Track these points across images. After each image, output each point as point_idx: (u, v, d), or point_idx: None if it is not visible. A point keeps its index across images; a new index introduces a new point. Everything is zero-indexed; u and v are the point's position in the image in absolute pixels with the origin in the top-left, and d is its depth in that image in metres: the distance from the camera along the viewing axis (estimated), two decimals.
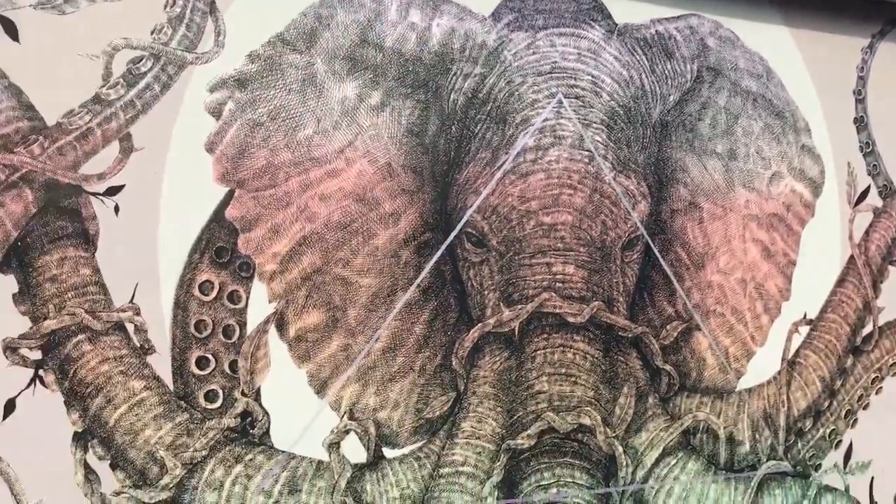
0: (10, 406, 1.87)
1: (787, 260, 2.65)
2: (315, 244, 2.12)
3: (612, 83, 2.38)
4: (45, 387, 1.90)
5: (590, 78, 2.35)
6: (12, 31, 1.82)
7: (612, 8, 2.42)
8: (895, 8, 2.77)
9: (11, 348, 1.87)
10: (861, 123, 2.77)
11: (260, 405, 2.08)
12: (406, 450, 2.20)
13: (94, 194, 1.92)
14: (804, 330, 2.70)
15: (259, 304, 2.08)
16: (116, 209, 1.94)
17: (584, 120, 2.32)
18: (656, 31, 2.47)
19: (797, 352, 2.68)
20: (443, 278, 2.27)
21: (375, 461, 2.16)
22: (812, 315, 2.70)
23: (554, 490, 2.19)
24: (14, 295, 1.88)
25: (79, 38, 1.87)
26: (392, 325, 2.20)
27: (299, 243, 2.11)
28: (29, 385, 1.89)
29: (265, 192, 2.08)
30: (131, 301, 1.96)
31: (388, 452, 2.18)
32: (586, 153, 2.31)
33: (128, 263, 1.96)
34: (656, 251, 2.42)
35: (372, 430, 2.15)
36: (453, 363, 2.25)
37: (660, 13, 2.48)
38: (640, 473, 2.35)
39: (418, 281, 2.21)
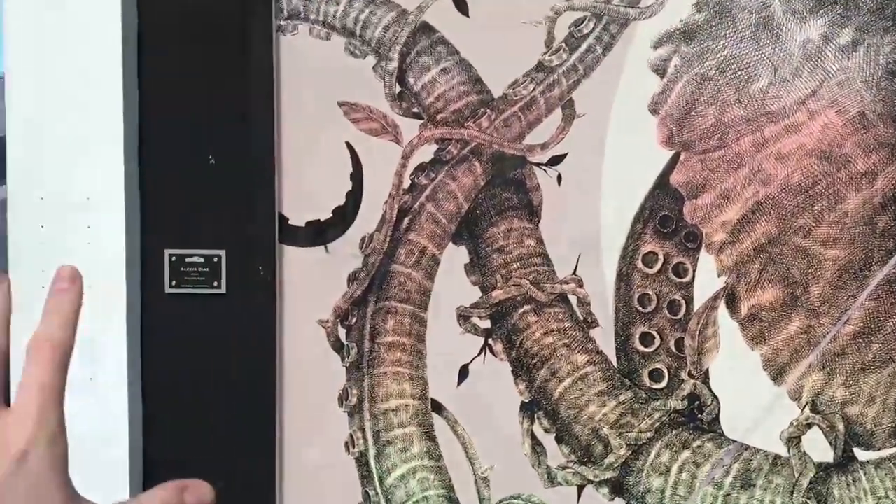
0: (463, 372, 1.94)
1: None
2: (770, 211, 1.86)
3: None
4: (494, 355, 1.93)
5: None
6: (463, 7, 1.85)
7: None
8: None
9: (464, 317, 1.93)
10: None
11: (708, 388, 1.90)
12: (885, 453, 1.85)
13: (537, 164, 1.90)
14: None
15: (707, 277, 1.89)
16: (559, 179, 1.89)
17: None
18: None
19: None
20: None
21: (844, 462, 1.85)
22: None
23: None
24: (465, 265, 1.93)
25: (522, 5, 1.84)
26: (865, 305, 1.85)
27: (752, 210, 1.87)
28: (480, 353, 1.93)
29: (713, 153, 1.87)
30: (574, 273, 1.90)
31: (859, 454, 1.86)
32: None
33: (570, 234, 1.90)
34: None
35: (840, 426, 1.85)
36: None
37: None
38: None
39: None
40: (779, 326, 1.89)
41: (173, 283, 1.89)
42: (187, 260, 1.79)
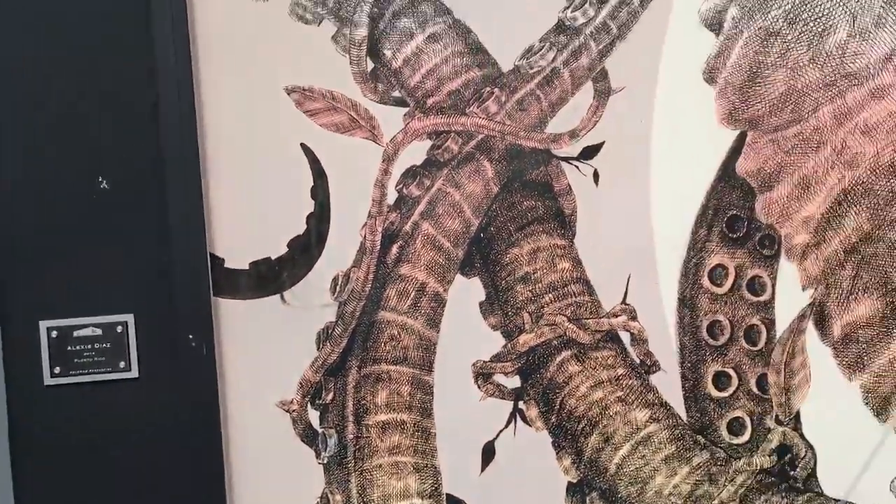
0: (488, 452, 1.42)
1: None
2: (860, 199, 1.46)
3: None
4: (528, 424, 1.43)
5: None
6: None
7: None
8: None
9: (484, 375, 1.41)
10: None
11: (801, 436, 1.48)
12: None
13: (566, 159, 1.41)
14: None
15: (789, 292, 1.47)
16: (596, 176, 1.42)
17: None
18: None
19: None
20: None
21: None
22: None
23: None
24: (481, 303, 1.42)
25: None
26: None
27: (838, 201, 1.46)
28: (508, 423, 1.42)
29: (787, 130, 1.45)
30: (624, 301, 1.43)
31: None
32: None
33: (615, 249, 1.43)
34: None
35: None
36: None
37: None
38: None
39: None
40: (880, 347, 1.49)
41: (56, 369, 1.28)
42: (76, 334, 1.19)
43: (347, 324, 1.37)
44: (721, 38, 1.43)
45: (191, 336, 1.31)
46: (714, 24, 1.43)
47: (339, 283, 1.37)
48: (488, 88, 1.39)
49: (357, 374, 1.39)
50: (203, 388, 1.32)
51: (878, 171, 1.47)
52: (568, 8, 1.40)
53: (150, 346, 1.32)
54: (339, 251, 1.37)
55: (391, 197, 1.38)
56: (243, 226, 1.36)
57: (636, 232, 1.44)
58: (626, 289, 1.43)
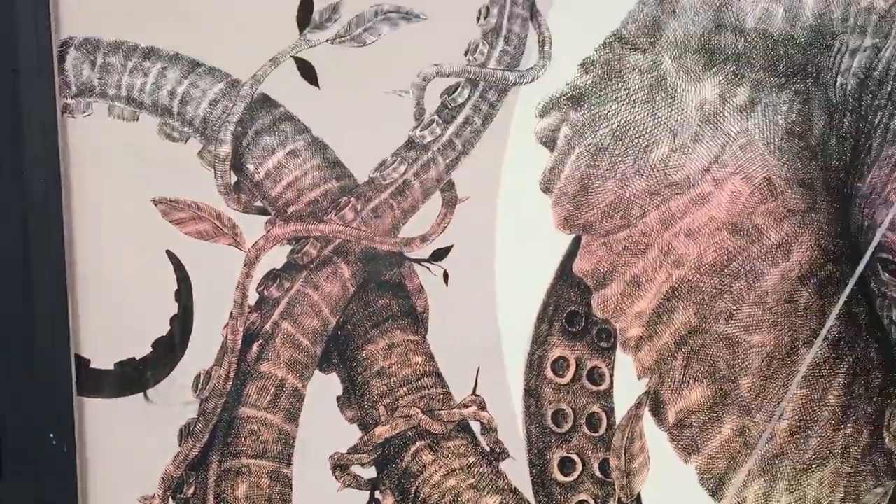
0: None
1: None
2: (687, 296, 1.61)
3: None
4: None
5: None
6: (310, 75, 1.48)
7: None
8: None
9: (341, 466, 1.49)
10: None
11: None
12: None
13: (418, 261, 1.53)
14: None
15: (627, 382, 1.59)
16: (446, 276, 1.54)
17: None
18: None
19: None
20: (857, 325, 1.67)
21: None
22: None
23: None
24: (338, 398, 1.51)
25: (383, 72, 1.51)
26: (798, 395, 1.63)
27: (667, 297, 1.61)
28: None
29: (618, 234, 1.60)
30: (473, 392, 1.53)
31: None
32: None
33: (465, 343, 1.54)
34: None
35: None
36: (886, 441, 1.64)
37: None
38: None
39: (824, 331, 1.64)
40: (711, 431, 1.62)
41: None
42: None
43: (209, 420, 1.44)
44: (555, 153, 1.59)
45: (52, 435, 1.36)
46: (548, 140, 1.60)
47: (201, 381, 1.45)
48: (345, 198, 1.51)
49: (218, 469, 1.45)
50: (63, 486, 1.36)
51: (701, 269, 1.63)
52: (417, 127, 1.54)
53: (12, 446, 1.36)
54: (202, 351, 1.45)
55: (252, 298, 1.48)
56: (109, 327, 1.43)
57: (484, 327, 1.55)
58: (476, 381, 1.54)
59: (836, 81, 1.69)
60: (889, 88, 1.69)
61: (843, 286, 1.66)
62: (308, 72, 1.49)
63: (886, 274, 1.67)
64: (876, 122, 1.70)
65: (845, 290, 1.66)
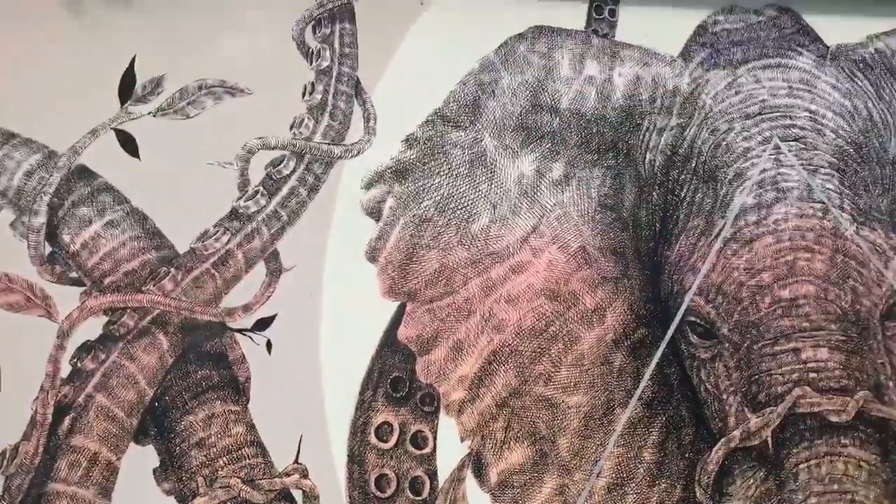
0: None
1: None
2: (508, 359, 1.68)
3: (834, 118, 1.90)
4: None
5: (807, 114, 1.89)
6: (131, 146, 1.50)
7: (819, 29, 1.97)
8: None
9: None
10: None
11: None
12: None
13: (241, 331, 1.55)
14: None
15: (449, 445, 1.64)
16: (269, 346, 1.56)
17: (809, 165, 1.84)
18: (876, 49, 1.99)
19: None
20: (669, 385, 1.78)
21: None
22: None
23: None
24: (155, 470, 1.49)
25: (207, 144, 1.54)
26: (614, 453, 1.71)
27: (489, 361, 1.68)
28: None
29: (441, 301, 1.67)
30: (296, 460, 1.55)
31: None
32: (818, 205, 1.82)
33: (287, 413, 1.56)
34: None
35: None
36: (697, 494, 1.73)
37: (873, 27, 2.02)
38: None
39: (639, 391, 1.74)
40: (532, 490, 1.69)
41: None
42: None
43: (14, 497, 1.41)
44: (381, 223, 1.66)
45: None
46: (374, 211, 1.66)
47: (7, 456, 1.41)
48: (164, 268, 1.52)
49: None
50: None
51: (521, 333, 1.71)
52: (241, 198, 1.58)
53: None
54: (8, 427, 1.42)
55: (65, 371, 1.46)
56: None
57: (307, 395, 1.58)
58: (298, 449, 1.56)
59: (645, 158, 1.83)
60: (693, 164, 1.84)
61: (655, 348, 1.77)
62: (129, 143, 1.51)
63: (695, 336, 1.80)
64: (682, 195, 1.84)
65: (657, 352, 1.77)
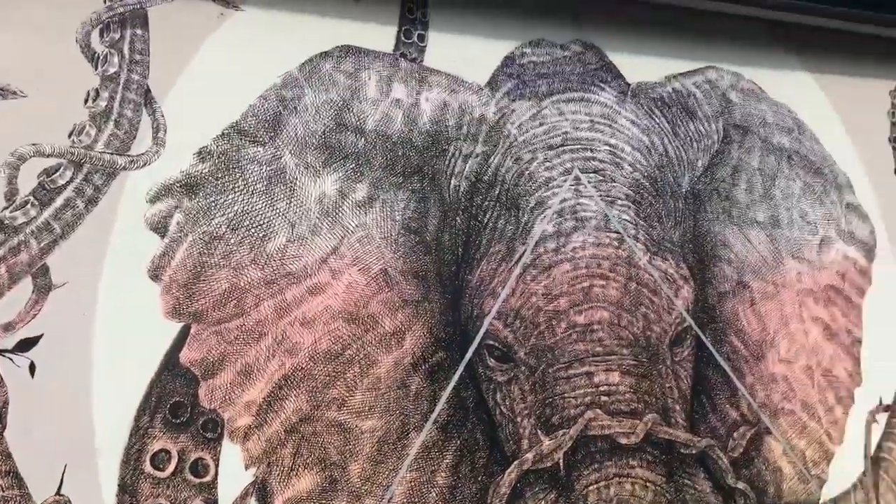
0: None
1: (851, 338, 2.24)
2: (300, 384, 1.64)
3: (632, 152, 2.00)
4: None
5: (607, 148, 1.98)
6: None
7: (621, 66, 2.06)
8: None
9: None
10: None
11: None
12: None
13: (0, 352, 1.43)
14: (882, 418, 2.27)
15: (233, 472, 1.58)
16: (32, 368, 1.45)
17: (607, 196, 1.92)
18: (673, 88, 2.12)
19: (879, 445, 2.24)
20: (465, 408, 1.80)
21: None
22: (888, 399, 2.28)
23: None
24: None
25: None
26: (407, 478, 1.70)
27: (279, 385, 1.63)
28: None
29: (230, 323, 1.61)
30: (58, 492, 1.44)
31: None
32: (614, 235, 1.90)
33: (51, 440, 1.45)
34: (709, 344, 2.00)
35: None
36: None
37: (674, 68, 2.14)
38: None
39: (434, 415, 1.74)
40: None
41: None
42: None
43: None
44: (166, 239, 1.58)
45: None
46: (160, 227, 1.58)
47: None
48: None
49: None
50: None
51: (315, 357, 1.67)
52: (7, 208, 1.46)
53: None
54: None
55: None
56: None
57: (75, 421, 1.47)
58: (62, 479, 1.45)
59: (450, 183, 1.84)
60: (497, 191, 1.87)
61: (452, 372, 1.78)
62: None
63: (492, 360, 1.82)
64: (485, 220, 1.86)
65: (455, 375, 1.78)
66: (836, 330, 2.21)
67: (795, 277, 2.16)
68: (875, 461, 2.23)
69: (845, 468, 2.19)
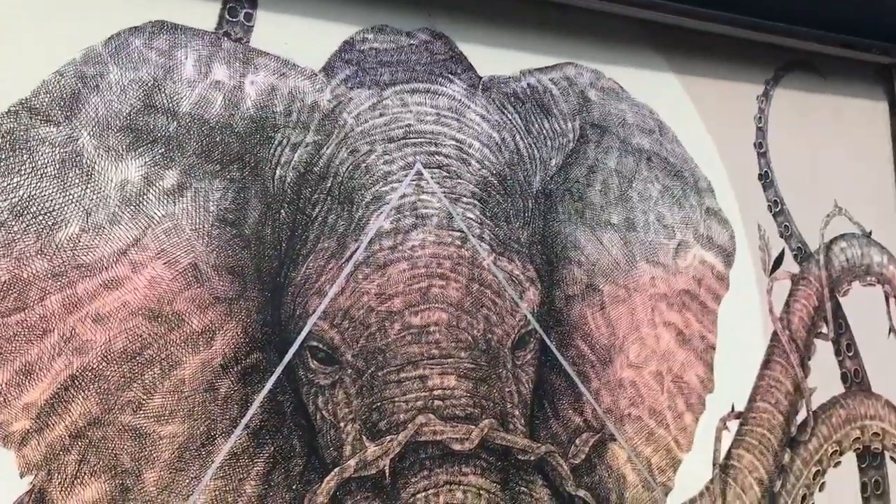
0: None
1: (705, 344, 2.22)
2: (89, 385, 1.52)
3: (481, 148, 1.92)
4: None
5: (454, 143, 1.90)
6: None
7: (472, 58, 1.98)
8: (788, 52, 2.48)
9: None
10: (766, 180, 2.43)
11: None
12: None
13: None
14: (734, 425, 2.26)
15: (7, 481, 1.45)
16: None
17: (452, 193, 1.85)
18: (528, 83, 2.05)
19: (729, 452, 2.23)
20: (281, 413, 1.70)
21: None
22: (740, 406, 2.28)
23: None
24: None
25: None
26: (211, 486, 1.60)
27: (65, 386, 1.50)
28: None
29: (10, 318, 1.47)
30: None
31: None
32: (457, 234, 1.83)
33: None
34: (553, 348, 1.94)
35: None
36: None
37: (530, 62, 2.07)
38: None
39: (246, 419, 1.64)
40: None
41: None
42: None
43: None
44: None
45: None
46: None
47: None
48: None
49: None
50: None
51: (109, 357, 1.54)
52: None
53: None
54: None
55: None
56: None
57: None
58: None
59: (275, 173, 1.73)
60: (329, 184, 1.76)
61: (269, 374, 1.68)
62: None
63: (315, 362, 1.72)
64: (314, 214, 1.76)
65: (271, 378, 1.68)
66: (690, 335, 2.19)
67: (649, 281, 2.12)
68: (724, 468, 2.22)
69: (693, 476, 2.17)
